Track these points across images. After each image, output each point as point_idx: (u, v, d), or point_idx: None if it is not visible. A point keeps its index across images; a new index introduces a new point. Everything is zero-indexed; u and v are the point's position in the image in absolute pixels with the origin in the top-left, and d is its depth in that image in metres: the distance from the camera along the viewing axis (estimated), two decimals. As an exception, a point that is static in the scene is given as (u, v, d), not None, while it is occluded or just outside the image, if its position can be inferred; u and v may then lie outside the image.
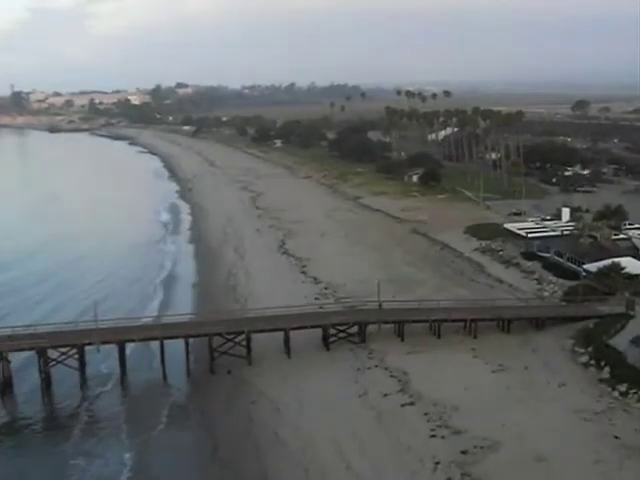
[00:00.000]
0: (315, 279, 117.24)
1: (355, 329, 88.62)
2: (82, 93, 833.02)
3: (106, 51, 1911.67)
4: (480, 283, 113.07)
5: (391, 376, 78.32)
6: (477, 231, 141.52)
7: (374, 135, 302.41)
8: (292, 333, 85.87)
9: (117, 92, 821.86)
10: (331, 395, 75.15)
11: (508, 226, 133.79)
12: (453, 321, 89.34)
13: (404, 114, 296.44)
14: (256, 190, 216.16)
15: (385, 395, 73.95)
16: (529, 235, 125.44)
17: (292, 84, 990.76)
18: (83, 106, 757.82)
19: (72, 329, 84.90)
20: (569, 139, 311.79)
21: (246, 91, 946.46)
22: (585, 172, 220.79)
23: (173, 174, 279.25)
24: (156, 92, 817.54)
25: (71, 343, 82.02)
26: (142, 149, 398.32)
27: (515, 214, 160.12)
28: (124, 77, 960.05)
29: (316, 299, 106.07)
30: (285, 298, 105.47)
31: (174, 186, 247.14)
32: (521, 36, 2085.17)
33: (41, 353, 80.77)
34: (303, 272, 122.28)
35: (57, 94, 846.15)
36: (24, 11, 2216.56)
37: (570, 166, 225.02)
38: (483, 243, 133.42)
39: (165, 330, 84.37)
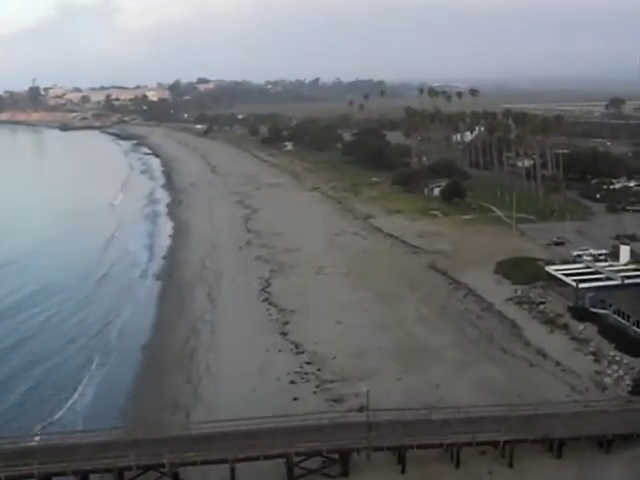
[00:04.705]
0: (297, 346, 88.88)
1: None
2: (102, 88, 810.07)
3: (132, 46, 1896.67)
4: (516, 357, 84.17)
5: None
6: (511, 270, 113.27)
7: (395, 136, 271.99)
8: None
9: (138, 88, 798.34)
10: None
11: (551, 270, 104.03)
12: (478, 444, 60.71)
13: (426, 115, 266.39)
14: (252, 206, 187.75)
15: None
16: (579, 285, 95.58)
17: (316, 79, 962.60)
18: (99, 102, 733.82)
19: None
20: (608, 143, 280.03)
21: (269, 86, 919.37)
22: (632, 185, 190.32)
23: (169, 182, 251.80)
24: (175, 87, 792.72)
25: None
26: (147, 150, 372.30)
27: (556, 244, 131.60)
28: (148, 72, 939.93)
29: (291, 383, 78.39)
30: (252, 378, 79.73)
31: (165, 197, 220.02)
32: (548, 31, 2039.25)
33: None
34: (283, 333, 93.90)
35: (77, 89, 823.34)
36: (50, 7, 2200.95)
37: (615, 177, 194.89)
38: (519, 290, 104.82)
39: (47, 461, 56.49)
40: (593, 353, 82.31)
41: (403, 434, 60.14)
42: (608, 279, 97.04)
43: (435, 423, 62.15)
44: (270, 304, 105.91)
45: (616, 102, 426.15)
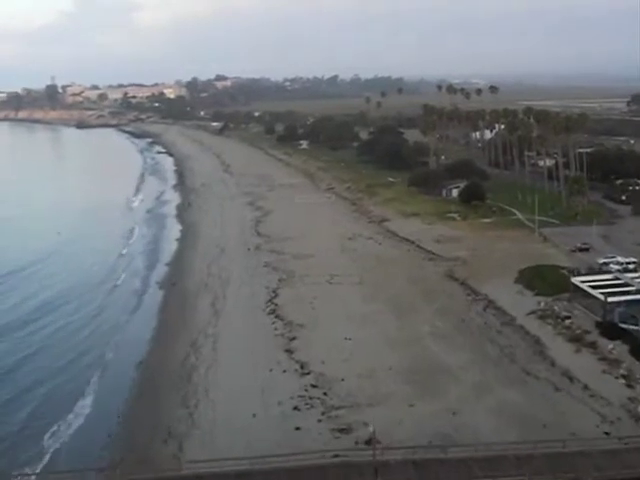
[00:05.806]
0: (302, 366, 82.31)
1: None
2: (120, 86, 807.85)
3: (151, 43, 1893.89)
4: (540, 379, 77.19)
5: None
6: (533, 279, 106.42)
7: (412, 134, 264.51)
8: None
9: (156, 85, 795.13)
10: None
11: (577, 281, 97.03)
12: (499, 487, 54.12)
13: (444, 113, 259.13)
14: (264, 207, 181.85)
15: None
16: (608, 299, 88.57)
17: (335, 76, 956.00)
18: (117, 100, 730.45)
19: None
20: (632, 141, 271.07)
21: (287, 84, 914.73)
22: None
23: (181, 182, 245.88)
24: (192, 85, 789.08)
25: None
26: (161, 149, 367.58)
27: (581, 250, 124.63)
28: (166, 69, 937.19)
29: (294, 409, 71.94)
30: (252, 403, 73.53)
31: (176, 198, 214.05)
32: (567, 28, 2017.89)
33: None
34: (289, 350, 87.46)
35: (95, 87, 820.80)
36: (69, 4, 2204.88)
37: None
38: (542, 302, 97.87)
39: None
40: (624, 376, 75.27)
41: (414, 476, 53.70)
42: (639, 292, 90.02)
43: (450, 463, 55.57)
44: (276, 317, 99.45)
45: (638, 99, 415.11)
